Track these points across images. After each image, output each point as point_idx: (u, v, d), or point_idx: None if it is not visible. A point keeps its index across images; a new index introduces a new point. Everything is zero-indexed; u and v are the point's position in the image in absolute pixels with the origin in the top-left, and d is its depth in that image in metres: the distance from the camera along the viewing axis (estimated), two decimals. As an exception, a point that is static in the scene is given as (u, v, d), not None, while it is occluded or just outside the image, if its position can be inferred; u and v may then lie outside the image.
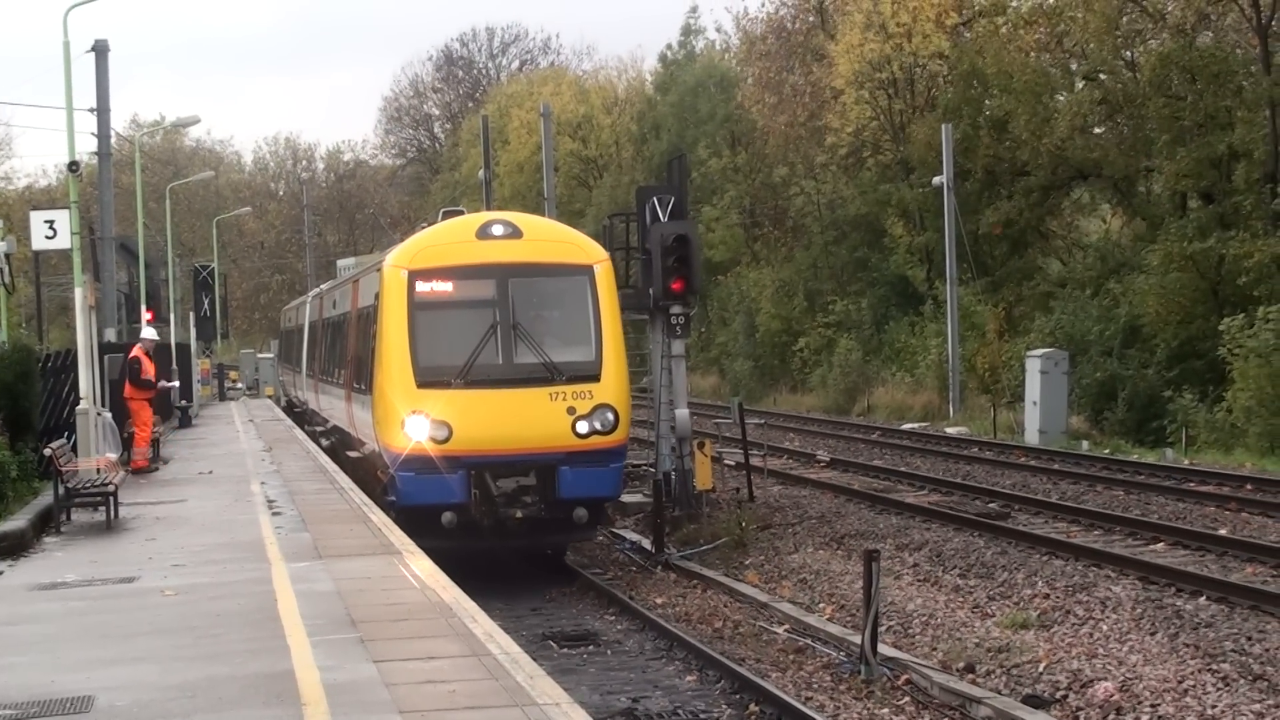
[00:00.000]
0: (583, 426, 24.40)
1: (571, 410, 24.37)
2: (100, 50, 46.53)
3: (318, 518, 23.10)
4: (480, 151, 64.73)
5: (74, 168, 31.18)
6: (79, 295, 30.04)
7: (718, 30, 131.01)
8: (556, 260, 25.80)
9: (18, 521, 22.51)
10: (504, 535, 24.55)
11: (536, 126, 73.93)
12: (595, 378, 24.76)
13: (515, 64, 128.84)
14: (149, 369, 32.52)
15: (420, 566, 18.16)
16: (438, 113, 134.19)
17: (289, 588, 16.74)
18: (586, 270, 25.56)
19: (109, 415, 31.05)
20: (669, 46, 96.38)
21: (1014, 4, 64.39)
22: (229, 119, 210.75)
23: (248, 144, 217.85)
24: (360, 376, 28.62)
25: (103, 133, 47.94)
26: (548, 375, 24.57)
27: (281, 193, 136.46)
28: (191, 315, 69.15)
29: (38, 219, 31.85)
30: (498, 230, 25.51)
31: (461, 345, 24.64)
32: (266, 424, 49.52)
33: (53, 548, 21.50)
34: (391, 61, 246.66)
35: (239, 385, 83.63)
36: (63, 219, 31.10)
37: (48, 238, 31.40)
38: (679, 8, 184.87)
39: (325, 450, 36.15)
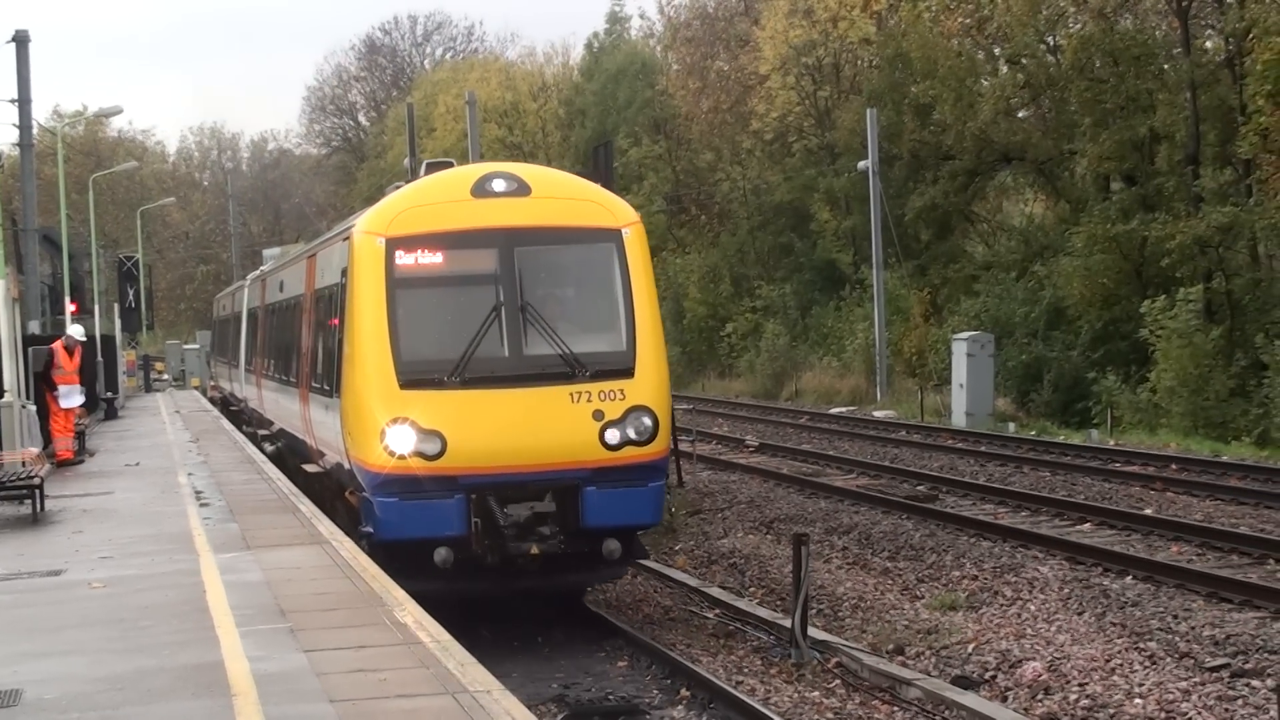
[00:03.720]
0: (613, 435, 19.13)
1: (599, 415, 19.15)
2: (21, 40, 46.26)
3: (246, 508, 22.97)
4: (405, 139, 64.57)
5: (-5, 159, 30.90)
6: (1, 288, 29.78)
7: (642, 17, 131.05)
8: (575, 223, 20.29)
9: (-58, 516, 22.34)
10: (512, 575, 19.35)
11: (462, 114, 73.97)
12: (628, 373, 19.43)
13: (439, 52, 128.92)
14: (65, 364, 32.21)
15: (347, 554, 18.11)
16: (362, 101, 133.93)
17: (218, 579, 16.64)
18: (613, 235, 20.10)
19: (33, 408, 30.84)
20: (595, 34, 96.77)
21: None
22: (149, 111, 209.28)
23: (171, 134, 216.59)
24: (320, 374, 23.46)
25: (24, 123, 47.59)
26: (567, 371, 19.23)
27: (206, 183, 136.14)
28: (116, 307, 68.65)
29: (-42, 211, 31.60)
30: (499, 185, 19.91)
31: (456, 333, 19.39)
32: (193, 415, 49.29)
33: (-22, 542, 21.33)
34: (313, 51, 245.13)
35: (165, 377, 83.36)
36: (-16, 211, 30.84)
37: (-31, 230, 31.17)
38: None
39: (271, 457, 31.60)
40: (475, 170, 20.80)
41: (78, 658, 13.10)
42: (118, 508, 23.96)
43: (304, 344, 26.17)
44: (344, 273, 20.80)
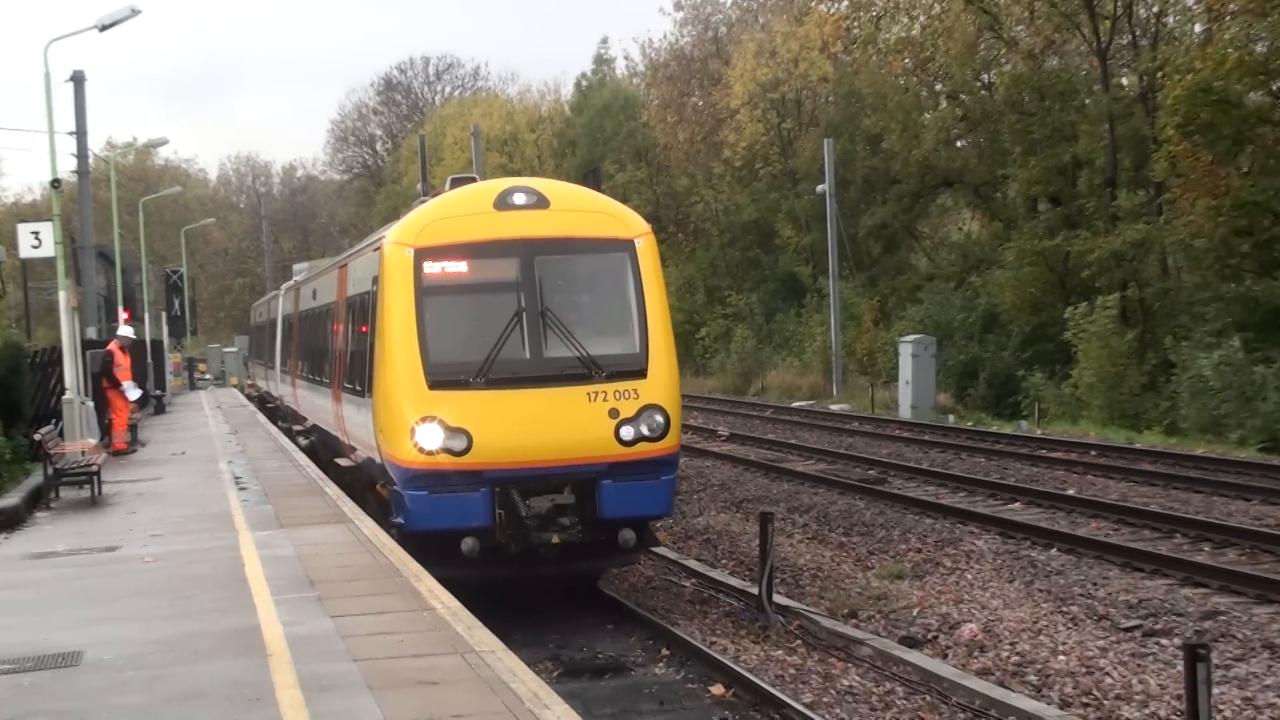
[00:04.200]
0: (627, 432, 18.10)
1: (614, 413, 18.11)
2: (78, 80, 46.23)
3: (279, 491, 22.99)
4: (418, 167, 64.56)
5: (56, 185, 30.94)
6: (63, 298, 29.78)
7: (625, 58, 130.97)
8: (591, 234, 19.25)
9: (12, 499, 22.36)
10: (534, 562, 18.36)
11: (468, 144, 73.79)
12: (641, 373, 18.42)
13: (449, 89, 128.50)
14: (122, 362, 32.31)
15: (368, 531, 18.12)
16: (380, 133, 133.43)
17: (254, 553, 16.67)
18: (626, 245, 19.20)
19: (91, 404, 30.83)
20: (583, 74, 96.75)
21: (884, 35, 64.88)
22: (190, 141, 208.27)
23: (211, 161, 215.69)
24: (352, 375, 22.34)
25: (81, 153, 47.50)
26: (584, 372, 18.19)
27: (242, 205, 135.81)
28: (164, 315, 68.61)
29: (24, 231, 31.59)
30: (520, 199, 18.96)
31: (480, 337, 18.29)
32: (232, 410, 49.22)
33: (43, 521, 21.33)
34: (336, 88, 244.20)
35: (207, 376, 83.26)
36: (47, 230, 30.84)
37: (34, 247, 31.15)
38: (592, 40, 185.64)
39: (304, 450, 30.67)
40: (497, 184, 19.72)
41: (132, 623, 13.14)
42: (166, 491, 23.97)
43: (336, 347, 25.16)
44: (375, 281, 19.74)
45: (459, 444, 17.66)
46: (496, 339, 18.12)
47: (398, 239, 18.97)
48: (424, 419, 17.71)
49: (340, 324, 24.81)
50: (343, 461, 24.10)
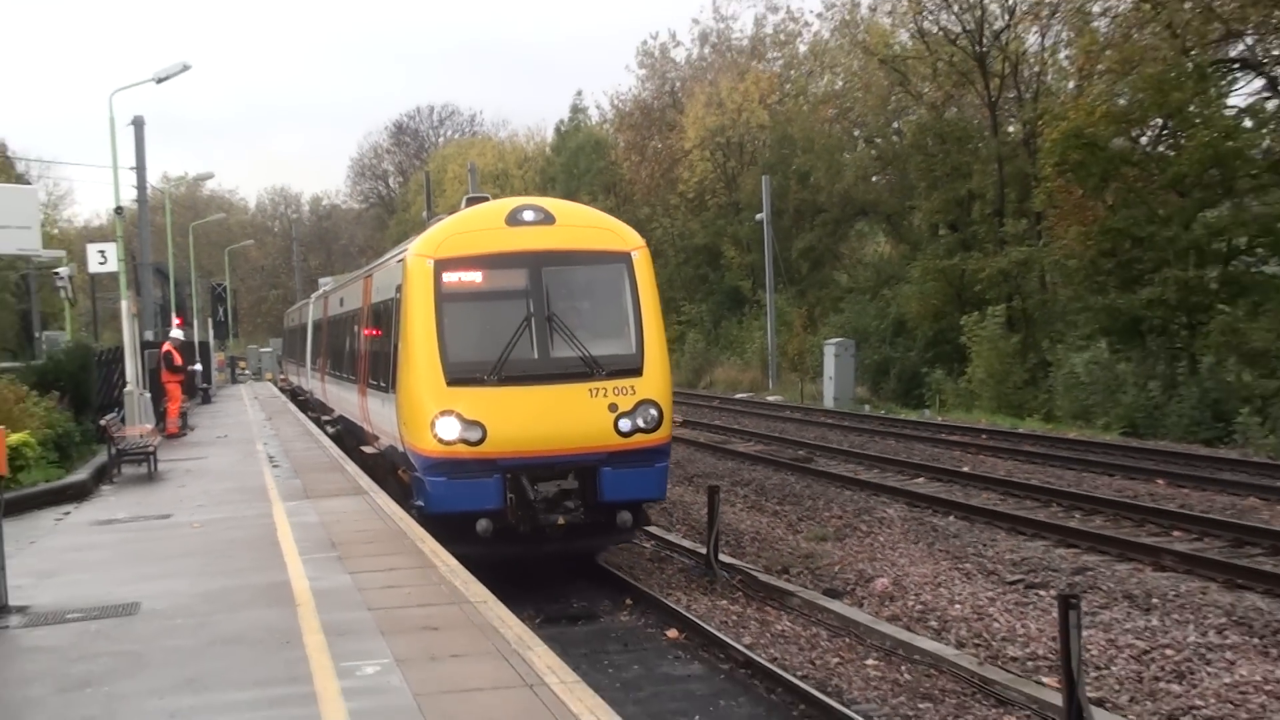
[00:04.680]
0: (625, 424, 17.25)
1: (613, 407, 17.25)
2: (137, 124, 46.11)
3: (306, 468, 22.90)
4: (424, 198, 64.34)
5: (119, 211, 30.72)
6: (124, 306, 29.58)
7: (597, 107, 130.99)
8: (592, 247, 18.23)
9: (81, 474, 22.20)
10: (541, 541, 17.48)
11: (465, 179, 73.73)
12: (637, 372, 17.59)
13: (450, 132, 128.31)
14: (177, 358, 32.44)
15: (381, 502, 18.05)
16: (392, 169, 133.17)
17: (285, 520, 16.60)
18: (624, 257, 18.16)
19: (148, 395, 30.67)
20: (562, 120, 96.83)
21: (812, 89, 65.06)
22: (233, 174, 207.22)
23: (250, 192, 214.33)
24: (376, 372, 21.41)
25: (141, 185, 47.36)
26: (587, 370, 17.29)
27: (276, 229, 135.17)
28: (210, 320, 68.31)
29: (92, 249, 31.50)
30: (529, 216, 17.98)
31: (493, 339, 17.33)
32: (267, 400, 49.02)
33: (107, 494, 21.20)
34: (355, 131, 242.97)
35: (246, 372, 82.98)
36: (111, 250, 30.65)
37: (100, 264, 31.03)
38: (569, 91, 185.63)
39: (331, 437, 29.65)
40: (508, 203, 18.62)
41: (181, 579, 13.06)
42: (211, 468, 23.86)
43: (361, 347, 24.08)
44: (398, 289, 18.71)
45: (474, 435, 16.83)
46: (508, 341, 17.24)
47: (419, 251, 18.06)
48: (443, 412, 16.88)
49: (365, 327, 23.89)
50: (367, 449, 23.23)
